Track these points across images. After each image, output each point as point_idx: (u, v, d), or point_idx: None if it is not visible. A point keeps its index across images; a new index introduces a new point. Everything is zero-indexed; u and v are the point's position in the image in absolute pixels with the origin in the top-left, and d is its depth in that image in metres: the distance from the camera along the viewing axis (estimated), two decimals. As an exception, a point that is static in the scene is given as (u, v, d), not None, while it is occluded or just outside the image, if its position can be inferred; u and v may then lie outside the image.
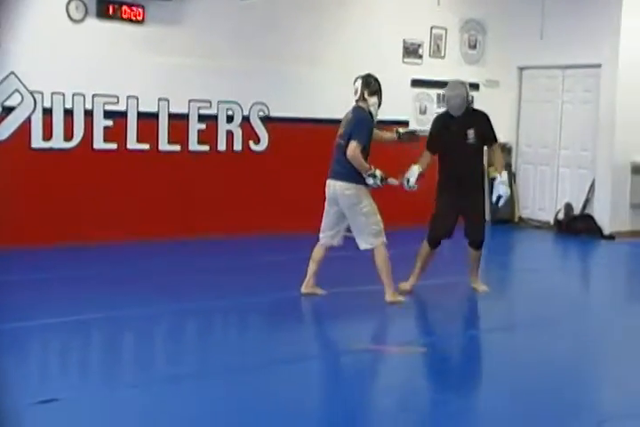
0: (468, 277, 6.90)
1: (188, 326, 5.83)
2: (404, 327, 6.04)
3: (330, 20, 9.62)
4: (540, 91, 10.93)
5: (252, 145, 9.22)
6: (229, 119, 9.03)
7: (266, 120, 9.24)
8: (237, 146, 9.11)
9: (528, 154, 11.06)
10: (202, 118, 8.84)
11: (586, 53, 10.23)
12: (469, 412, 4.37)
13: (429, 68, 10.45)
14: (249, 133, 9.18)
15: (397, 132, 6.67)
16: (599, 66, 10.17)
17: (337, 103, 9.63)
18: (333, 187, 6.29)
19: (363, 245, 6.30)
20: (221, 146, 9.01)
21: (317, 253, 6.49)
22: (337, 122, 9.55)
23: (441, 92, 10.48)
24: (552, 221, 10.55)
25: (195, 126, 8.81)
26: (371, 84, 6.26)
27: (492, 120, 6.83)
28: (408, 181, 6.45)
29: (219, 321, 6.09)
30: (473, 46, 10.85)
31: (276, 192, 9.34)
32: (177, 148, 8.74)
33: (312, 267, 6.48)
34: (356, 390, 4.63)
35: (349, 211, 6.25)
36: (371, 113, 6.29)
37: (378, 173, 6.15)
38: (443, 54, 10.58)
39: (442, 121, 6.75)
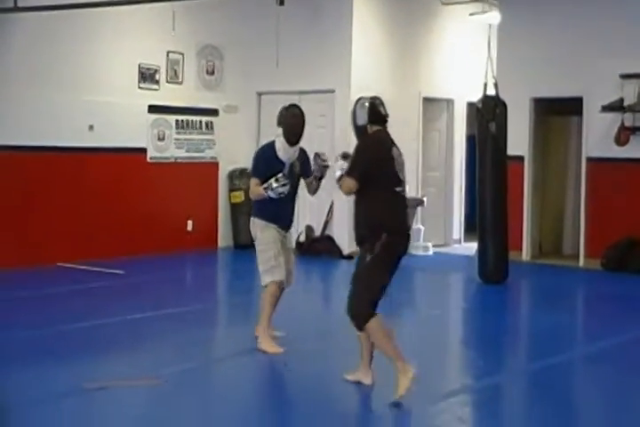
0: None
1: None
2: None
3: (57, 43, 9.23)
4: (278, 116, 11.13)
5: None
6: None
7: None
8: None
9: (269, 178, 11.19)
10: None
11: (320, 80, 10.59)
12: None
13: (167, 94, 10.33)
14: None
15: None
16: (333, 91, 10.54)
17: (71, 130, 9.36)
18: None
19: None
20: None
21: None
22: (73, 150, 9.34)
23: (180, 118, 10.49)
24: (294, 244, 10.75)
25: None
26: (279, 115, 6.04)
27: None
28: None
29: None
30: (211, 72, 10.86)
31: None
32: None
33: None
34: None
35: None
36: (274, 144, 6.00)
37: (272, 183, 5.74)
38: (180, 80, 10.50)
39: None
